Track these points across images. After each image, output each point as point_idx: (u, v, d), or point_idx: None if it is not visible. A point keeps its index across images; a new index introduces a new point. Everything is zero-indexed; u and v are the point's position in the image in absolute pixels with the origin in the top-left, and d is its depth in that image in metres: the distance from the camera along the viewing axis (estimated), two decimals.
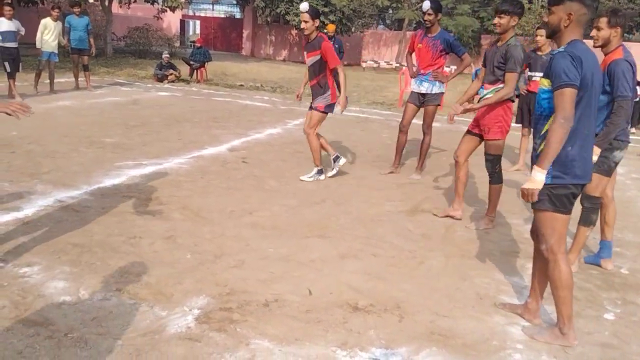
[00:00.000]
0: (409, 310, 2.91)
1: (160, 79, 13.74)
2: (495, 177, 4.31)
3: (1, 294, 2.75)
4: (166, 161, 5.75)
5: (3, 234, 3.51)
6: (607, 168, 3.48)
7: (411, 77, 5.82)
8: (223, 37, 32.92)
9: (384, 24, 38.04)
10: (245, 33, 30.66)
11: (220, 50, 30.90)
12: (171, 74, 13.80)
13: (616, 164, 3.54)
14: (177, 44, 24.89)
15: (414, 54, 5.81)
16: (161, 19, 23.57)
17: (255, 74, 17.77)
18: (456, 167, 4.45)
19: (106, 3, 20.19)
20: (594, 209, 3.57)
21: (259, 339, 2.53)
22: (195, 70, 14.64)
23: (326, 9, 25.02)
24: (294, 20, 25.85)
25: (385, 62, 26.51)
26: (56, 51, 10.33)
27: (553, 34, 2.63)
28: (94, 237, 3.60)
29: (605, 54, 3.47)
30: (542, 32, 5.81)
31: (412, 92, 5.80)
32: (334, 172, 5.52)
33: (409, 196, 5.10)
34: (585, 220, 3.58)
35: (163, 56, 14.20)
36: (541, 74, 3.46)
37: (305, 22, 5.14)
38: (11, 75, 9.30)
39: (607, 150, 3.40)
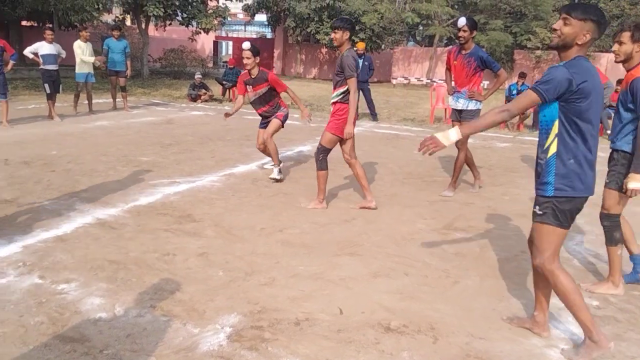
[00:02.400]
0: (443, 332, 2.84)
1: (194, 98, 14.06)
2: (319, 164, 4.98)
3: (39, 310, 2.83)
4: (199, 179, 5.85)
5: (42, 251, 3.62)
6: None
7: (449, 94, 5.84)
8: None
9: (414, 41, 38.04)
10: (276, 52, 31.17)
11: None
12: (204, 94, 14.11)
13: None
14: (210, 65, 25.47)
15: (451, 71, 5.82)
16: (195, 40, 24.21)
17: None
18: (351, 167, 5.07)
19: (143, 26, 20.90)
20: (615, 226, 3.43)
21: (290, 358, 2.51)
22: (227, 90, 14.93)
23: (356, 28, 25.23)
24: (324, 39, 26.17)
25: (415, 78, 26.45)
26: (92, 72, 10.66)
27: (562, 47, 2.52)
28: (130, 254, 3.67)
29: (628, 70, 3.35)
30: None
31: (452, 110, 5.82)
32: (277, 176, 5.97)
33: (442, 214, 5.03)
34: (611, 240, 3.45)
35: (195, 77, 14.57)
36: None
37: (248, 58, 5.66)
38: (50, 97, 9.68)
39: (626, 167, 3.29)
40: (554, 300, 3.27)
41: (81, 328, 2.68)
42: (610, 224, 3.45)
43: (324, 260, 3.75)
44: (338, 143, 4.96)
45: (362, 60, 11.87)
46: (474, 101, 5.56)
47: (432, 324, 2.91)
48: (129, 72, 11.45)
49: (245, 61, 5.68)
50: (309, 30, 26.61)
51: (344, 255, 3.86)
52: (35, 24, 23.01)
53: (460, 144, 5.71)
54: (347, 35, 4.71)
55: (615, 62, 3.41)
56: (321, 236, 4.25)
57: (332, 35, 4.82)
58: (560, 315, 3.11)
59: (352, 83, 4.68)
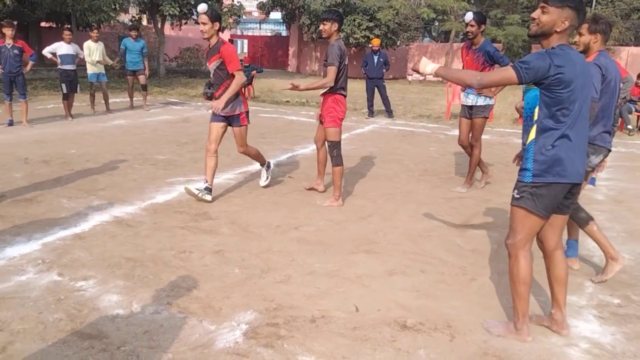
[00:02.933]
0: (461, 330, 2.81)
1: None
2: (334, 160, 4.98)
3: (58, 307, 2.86)
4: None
5: (61, 249, 3.67)
6: (585, 171, 3.30)
7: (461, 90, 5.75)
8: (270, 55, 33.62)
9: (430, 37, 37.76)
10: (291, 50, 31.20)
11: (267, 67, 31.47)
12: None
13: (592, 168, 3.54)
14: None
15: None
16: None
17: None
18: (317, 152, 5.34)
19: (159, 25, 21.06)
20: (575, 209, 3.46)
21: (306, 356, 2.51)
22: (242, 87, 14.97)
23: (371, 24, 25.14)
24: (339, 36, 26.08)
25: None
26: (103, 71, 10.67)
27: (542, 35, 2.55)
28: (147, 251, 3.70)
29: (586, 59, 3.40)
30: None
31: (462, 105, 5.73)
32: (267, 181, 5.51)
33: (459, 211, 4.98)
34: (579, 221, 3.55)
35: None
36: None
37: (204, 24, 4.68)
38: (67, 97, 9.80)
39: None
40: (574, 297, 3.22)
41: (99, 325, 2.71)
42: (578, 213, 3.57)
43: (339, 257, 3.74)
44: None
45: (377, 56, 11.81)
46: (482, 97, 5.46)
47: (449, 321, 2.88)
48: (147, 72, 11.49)
49: (201, 27, 4.74)
50: None
51: (360, 253, 3.84)
52: (54, 25, 23.32)
53: (474, 140, 5.65)
54: (335, 26, 4.83)
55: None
56: (337, 233, 4.24)
57: (321, 26, 4.89)
58: (581, 313, 3.05)
59: (330, 71, 4.76)
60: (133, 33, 11.22)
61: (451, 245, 4.08)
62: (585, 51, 3.49)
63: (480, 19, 5.29)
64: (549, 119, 2.49)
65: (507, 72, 2.47)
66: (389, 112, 11.96)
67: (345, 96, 5.07)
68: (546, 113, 2.49)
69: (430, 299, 3.15)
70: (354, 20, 25.91)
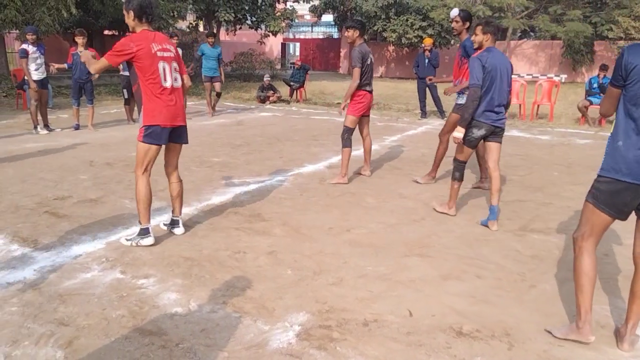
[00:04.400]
0: (519, 338, 2.71)
1: (262, 100, 14.38)
2: (344, 142, 5.80)
3: (121, 304, 2.99)
4: (268, 179, 5.96)
5: (123, 248, 3.83)
6: (469, 140, 4.46)
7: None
8: (321, 57, 33.79)
9: None
10: (342, 52, 31.25)
11: (319, 70, 31.67)
12: (272, 95, 14.39)
13: (476, 139, 4.45)
14: (279, 67, 25.94)
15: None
16: (264, 43, 24.76)
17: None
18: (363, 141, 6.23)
19: (214, 31, 21.65)
20: (457, 168, 4.67)
21: None
22: (294, 91, 15.14)
23: (424, 23, 24.79)
24: (392, 36, 25.90)
25: None
26: None
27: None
28: (203, 251, 3.80)
29: None
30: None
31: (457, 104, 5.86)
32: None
33: (518, 214, 4.81)
34: (452, 176, 4.72)
35: (264, 79, 14.90)
36: None
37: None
38: (127, 102, 10.23)
39: (468, 128, 4.41)
40: None
41: (159, 322, 2.80)
42: (455, 165, 4.67)
43: (392, 261, 3.70)
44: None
45: (428, 57, 11.67)
46: (463, 96, 5.34)
47: (506, 329, 2.79)
48: (222, 78, 11.41)
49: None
50: (375, 28, 26.44)
51: (413, 257, 3.79)
52: (117, 33, 24.46)
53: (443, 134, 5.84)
54: (357, 33, 5.55)
55: (474, 48, 4.64)
56: (389, 236, 4.20)
57: (346, 33, 5.69)
58: None
59: (355, 72, 5.52)
60: (210, 39, 11.12)
61: (509, 250, 3.95)
62: (479, 48, 4.48)
63: (465, 16, 5.43)
64: (624, 115, 2.50)
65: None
66: (441, 113, 11.74)
67: (369, 91, 5.75)
68: (622, 108, 2.51)
69: (487, 306, 3.06)
70: (407, 20, 25.62)
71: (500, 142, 4.52)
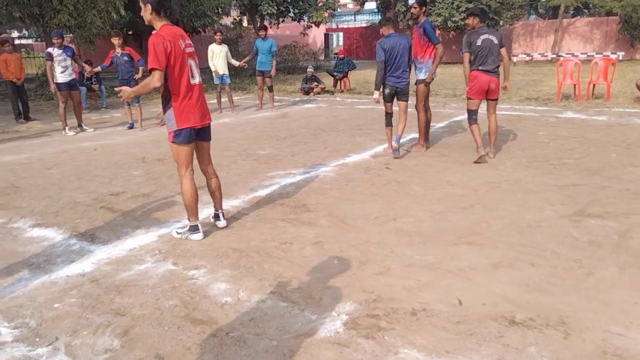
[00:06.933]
0: (576, 327, 2.60)
1: (306, 92, 14.41)
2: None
3: (173, 294, 3.08)
4: (313, 170, 5.98)
5: (175, 240, 3.94)
6: (384, 97, 6.36)
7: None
8: (365, 46, 33.50)
9: (536, 14, 35.36)
10: None
11: (363, 58, 31.37)
12: (316, 87, 14.39)
13: (388, 94, 6.33)
14: (322, 57, 25.90)
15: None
16: (307, 35, 24.76)
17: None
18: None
19: (258, 25, 21.82)
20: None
21: (408, 349, 2.46)
22: (338, 81, 15.07)
23: (470, 4, 24.05)
24: (437, 20, 25.30)
25: (539, 54, 24.59)
26: (227, 72, 10.98)
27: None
28: (251, 242, 3.86)
29: None
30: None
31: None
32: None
33: (573, 199, 4.61)
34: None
35: (307, 70, 14.90)
36: None
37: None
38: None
39: (383, 87, 6.29)
40: None
41: (209, 311, 2.87)
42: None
43: (440, 249, 3.63)
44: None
45: None
46: (423, 71, 6.56)
47: (562, 318, 2.68)
48: (273, 72, 11.14)
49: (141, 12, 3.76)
50: None
51: (462, 245, 3.70)
52: None
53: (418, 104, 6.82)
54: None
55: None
56: (437, 224, 4.12)
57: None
58: None
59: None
60: (262, 33, 10.95)
61: (565, 236, 3.79)
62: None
63: (421, 2, 6.39)
64: None
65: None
66: None
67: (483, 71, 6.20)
68: None
69: (542, 294, 2.95)
70: (452, 2, 24.96)
71: (406, 101, 6.37)
